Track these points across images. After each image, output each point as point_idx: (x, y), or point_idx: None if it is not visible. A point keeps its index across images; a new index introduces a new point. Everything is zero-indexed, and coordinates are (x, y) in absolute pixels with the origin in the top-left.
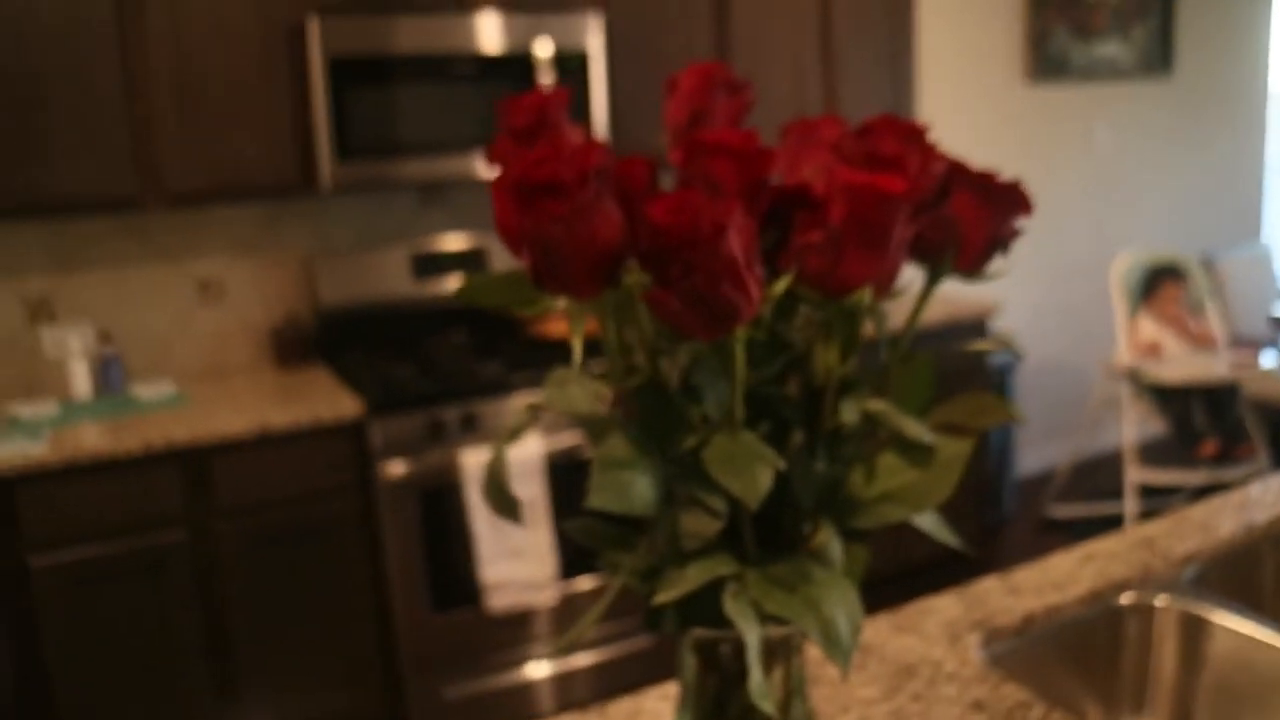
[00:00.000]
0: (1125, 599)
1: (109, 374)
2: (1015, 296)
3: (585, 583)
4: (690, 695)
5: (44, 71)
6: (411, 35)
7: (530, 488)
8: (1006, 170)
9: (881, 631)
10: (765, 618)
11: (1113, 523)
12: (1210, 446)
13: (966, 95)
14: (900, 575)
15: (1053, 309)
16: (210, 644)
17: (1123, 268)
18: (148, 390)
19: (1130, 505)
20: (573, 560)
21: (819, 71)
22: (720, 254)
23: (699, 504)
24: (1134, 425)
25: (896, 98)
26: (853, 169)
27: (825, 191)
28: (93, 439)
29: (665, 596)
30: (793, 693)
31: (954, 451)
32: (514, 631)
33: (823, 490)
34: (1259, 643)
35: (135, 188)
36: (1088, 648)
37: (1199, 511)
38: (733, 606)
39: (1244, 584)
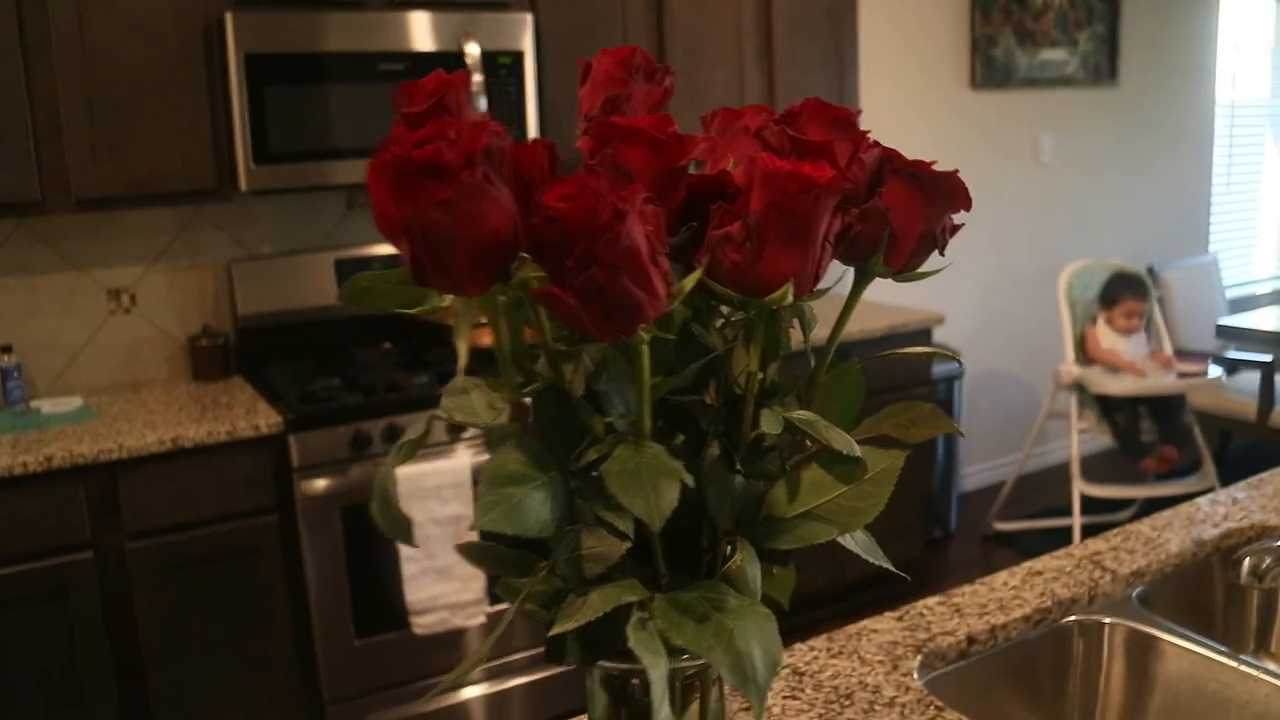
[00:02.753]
0: (1072, 618)
1: (8, 387)
2: (961, 308)
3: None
4: None
5: None
6: (337, 32)
7: (458, 504)
8: None
9: (818, 655)
10: (676, 649)
11: (1058, 536)
12: (1154, 462)
13: (911, 101)
14: (840, 592)
15: (999, 320)
16: (120, 673)
17: (1070, 276)
18: (52, 404)
19: (1076, 519)
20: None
21: (758, 74)
22: (620, 244)
23: (603, 524)
24: (1080, 438)
25: (839, 102)
26: (775, 156)
27: (745, 181)
28: None
29: (562, 627)
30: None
31: (885, 465)
32: (442, 655)
33: (741, 508)
34: (1209, 661)
35: (37, 192)
36: (1033, 669)
37: (1147, 527)
38: (636, 638)
39: (1193, 601)
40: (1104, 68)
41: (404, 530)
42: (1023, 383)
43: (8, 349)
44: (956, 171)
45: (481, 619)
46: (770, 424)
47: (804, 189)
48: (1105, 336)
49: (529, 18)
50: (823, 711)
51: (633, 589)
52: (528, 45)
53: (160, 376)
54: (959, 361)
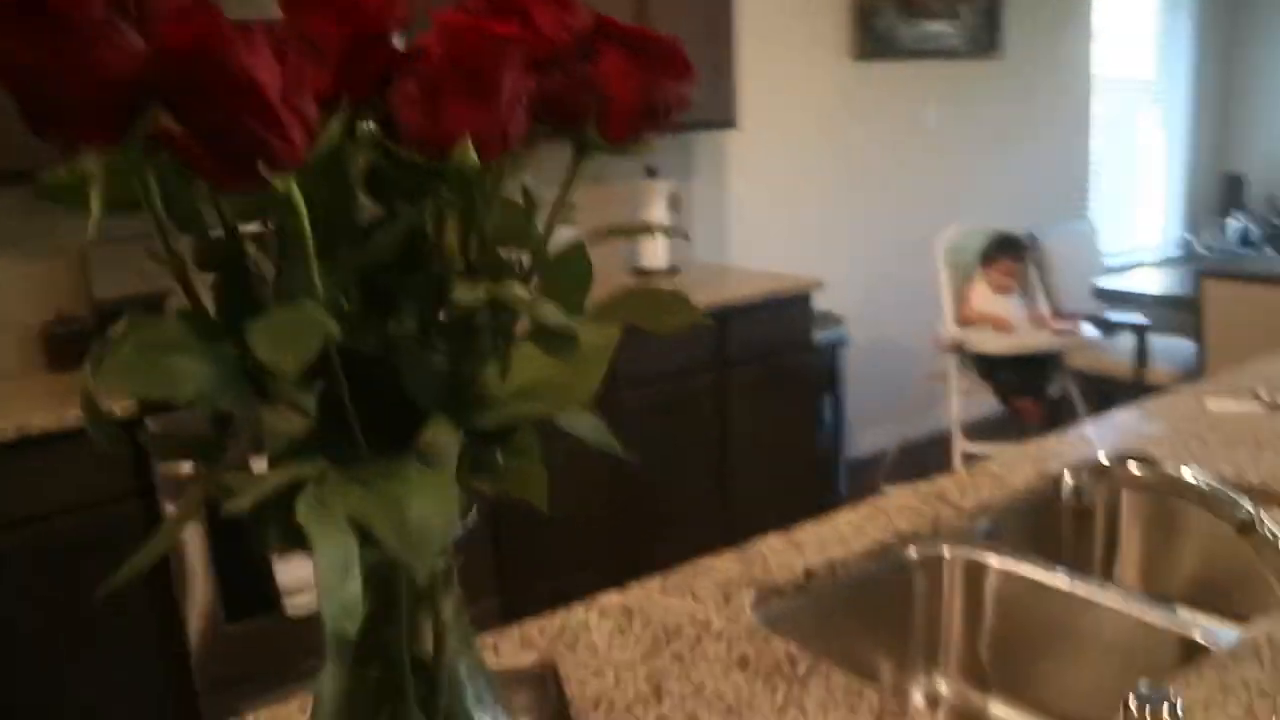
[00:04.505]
0: (912, 551)
1: None
2: (846, 276)
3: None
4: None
5: None
6: None
7: None
8: (835, 148)
9: (651, 594)
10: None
11: None
12: (1032, 411)
13: (793, 72)
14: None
15: (884, 288)
16: None
17: (949, 240)
18: None
19: None
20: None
21: None
22: (235, 74)
23: (286, 400)
24: (961, 399)
25: (716, 71)
26: (465, 15)
27: (430, 42)
28: None
29: (234, 505)
30: (444, 638)
31: (600, 341)
32: (317, 636)
33: (442, 386)
34: (1047, 589)
35: None
36: (875, 602)
37: (995, 465)
38: (306, 514)
39: (1039, 533)
40: (986, 40)
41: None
42: (908, 348)
43: None
44: (677, 39)
45: None
46: (465, 294)
47: (482, 41)
48: (982, 296)
49: None
50: (649, 646)
51: (312, 465)
52: None
53: (11, 368)
54: (843, 328)
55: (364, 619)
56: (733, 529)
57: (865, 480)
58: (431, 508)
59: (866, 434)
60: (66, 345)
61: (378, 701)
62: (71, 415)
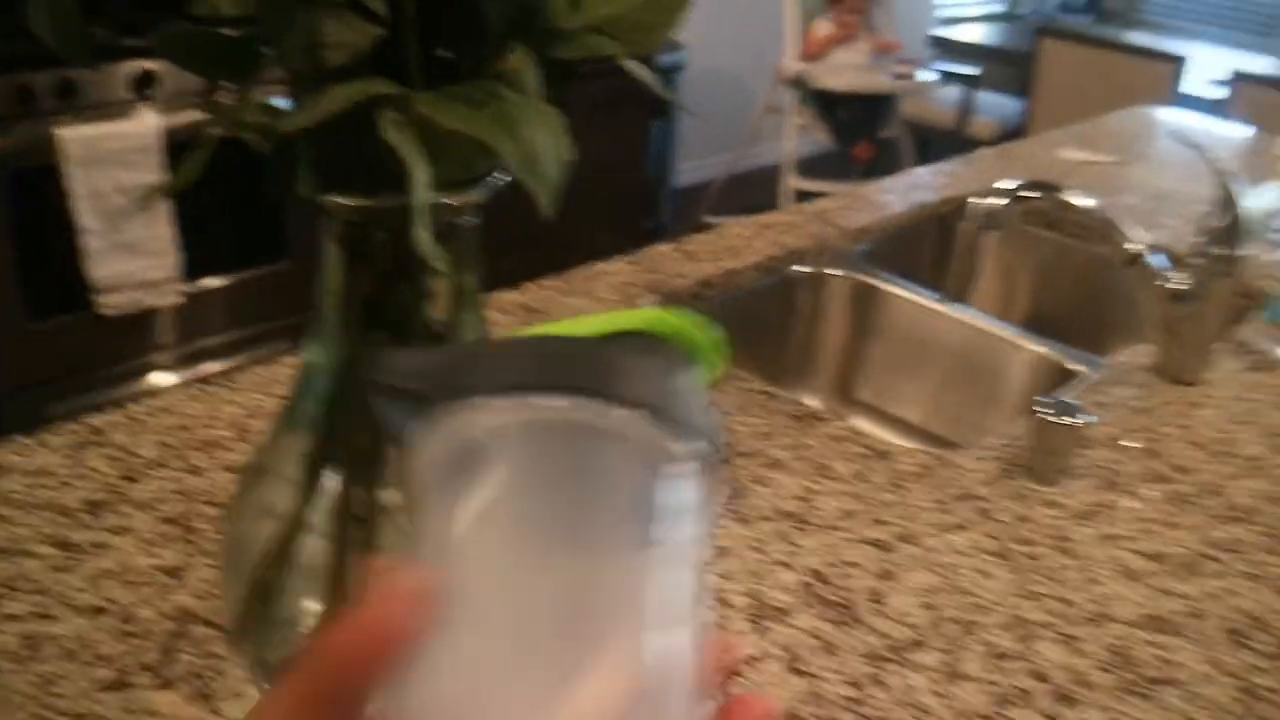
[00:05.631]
0: (800, 268)
1: None
2: None
3: (213, 282)
4: (335, 301)
5: None
6: None
7: (145, 172)
8: None
9: (551, 294)
10: (438, 154)
11: None
12: (865, 149)
13: None
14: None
15: (723, 14)
16: None
17: None
18: None
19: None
20: (198, 258)
21: None
22: None
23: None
24: (796, 134)
25: None
26: None
27: None
28: None
29: (301, 119)
30: (464, 297)
31: None
32: (131, 338)
33: (515, 11)
34: (921, 308)
35: None
36: (763, 316)
37: (872, 190)
38: (395, 134)
39: (909, 258)
40: None
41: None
42: (745, 80)
43: None
44: None
45: (175, 298)
46: None
47: None
48: (823, 29)
49: None
50: None
51: (386, 83)
52: None
53: None
54: (682, 52)
55: (376, 279)
56: (564, 247)
57: (689, 210)
58: (548, 133)
59: (695, 164)
60: None
61: None
62: None
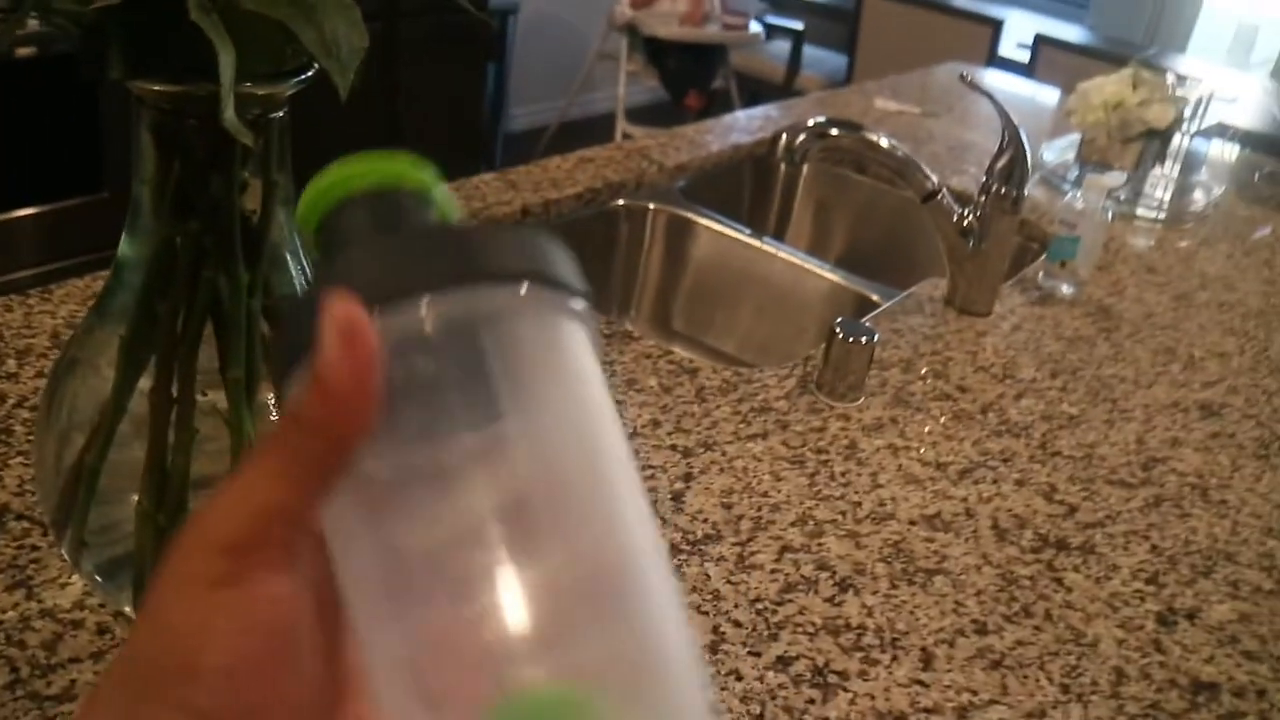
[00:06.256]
0: (620, 202)
1: None
2: None
3: (26, 211)
4: (149, 191)
5: None
6: None
7: None
8: None
9: None
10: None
11: None
12: (695, 99)
13: None
14: None
15: None
16: None
17: None
18: None
19: None
20: (10, 187)
21: None
22: None
23: None
24: (628, 81)
25: None
26: None
27: None
28: None
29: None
30: (276, 191)
31: None
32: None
33: None
34: (737, 242)
35: None
36: (582, 247)
37: (691, 130)
38: (201, 16)
39: (727, 196)
40: None
41: None
42: (579, 26)
43: None
44: None
45: None
46: None
47: None
48: None
49: None
50: None
51: None
52: None
53: None
54: None
55: (189, 168)
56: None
57: (524, 156)
58: (343, 21)
59: (527, 110)
60: None
61: (195, 260)
62: None
